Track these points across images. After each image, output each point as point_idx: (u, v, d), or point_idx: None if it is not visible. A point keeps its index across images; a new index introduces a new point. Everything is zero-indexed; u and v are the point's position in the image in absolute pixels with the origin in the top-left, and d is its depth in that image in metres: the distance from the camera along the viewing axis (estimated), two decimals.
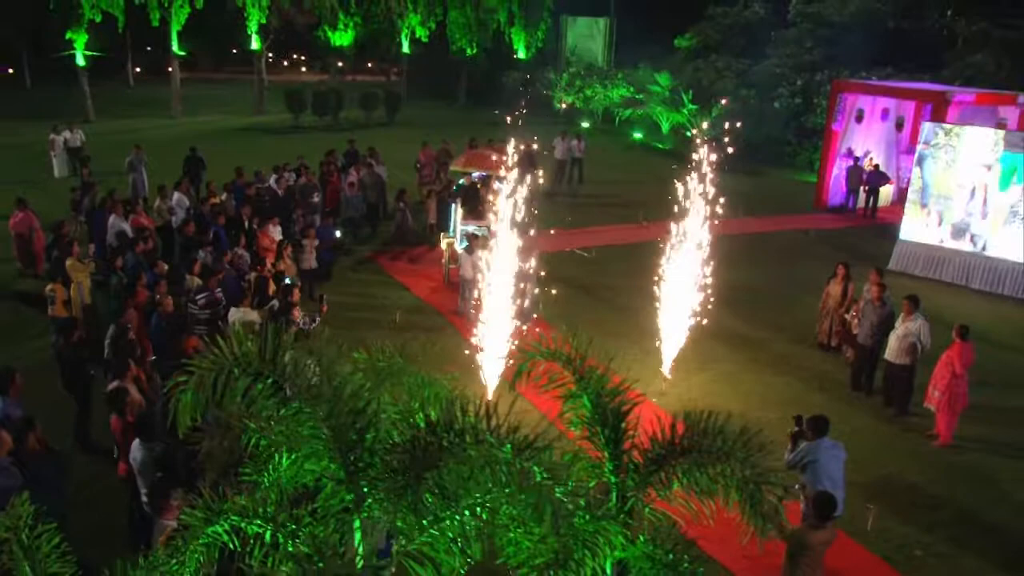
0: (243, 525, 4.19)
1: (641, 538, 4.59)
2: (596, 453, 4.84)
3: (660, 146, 36.31)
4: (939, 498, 9.80)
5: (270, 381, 4.33)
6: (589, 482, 4.82)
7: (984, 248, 17.85)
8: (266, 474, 4.66)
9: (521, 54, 47.53)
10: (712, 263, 12.22)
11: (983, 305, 16.88)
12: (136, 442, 7.12)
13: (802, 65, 34.16)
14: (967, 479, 10.25)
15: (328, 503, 4.26)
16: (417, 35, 43.85)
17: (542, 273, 14.20)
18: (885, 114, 24.82)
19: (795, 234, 21.83)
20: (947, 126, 19.12)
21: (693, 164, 11.82)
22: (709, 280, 12.13)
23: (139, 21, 36.35)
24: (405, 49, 44.76)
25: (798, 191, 27.17)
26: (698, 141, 12.05)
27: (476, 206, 16.77)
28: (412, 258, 18.30)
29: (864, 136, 24.70)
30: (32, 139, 28.17)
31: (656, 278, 12.21)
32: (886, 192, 24.76)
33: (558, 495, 4.20)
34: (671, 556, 4.40)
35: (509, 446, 4.19)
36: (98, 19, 34.02)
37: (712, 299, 12.50)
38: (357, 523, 4.83)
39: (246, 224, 14.63)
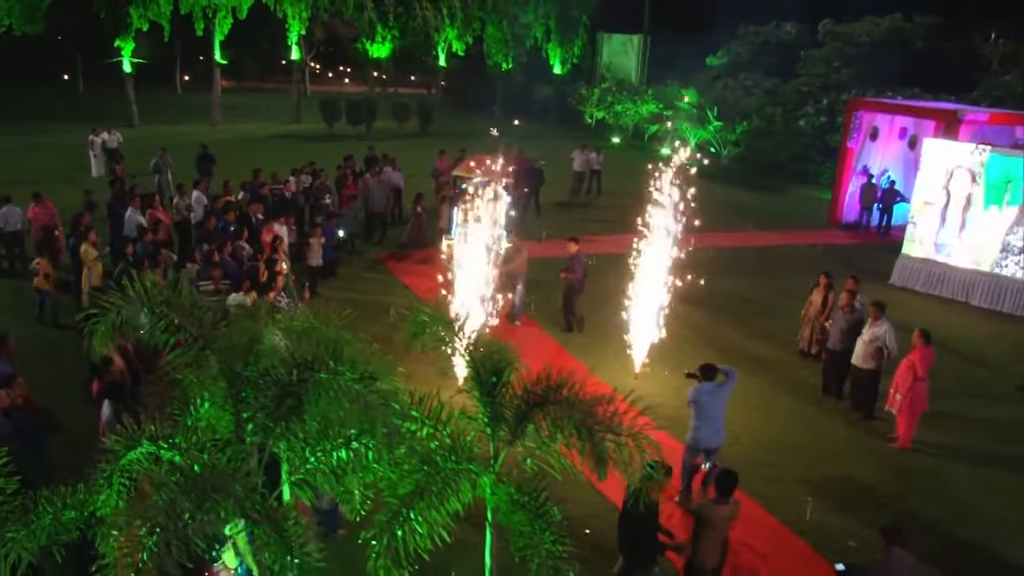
0: (155, 450, 4.84)
1: (505, 481, 5.17)
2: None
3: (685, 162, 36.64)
4: (885, 497, 10.10)
5: (176, 322, 5.00)
6: (470, 434, 5.39)
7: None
8: (188, 415, 5.31)
9: (557, 69, 48.31)
10: (684, 271, 12.75)
11: (981, 322, 16.99)
12: (106, 402, 7.85)
13: (829, 84, 34.32)
14: (918, 481, 10.52)
15: (221, 430, 4.92)
16: (454, 49, 44.90)
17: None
18: (903, 133, 24.91)
19: (802, 248, 22.05)
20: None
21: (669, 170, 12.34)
22: (670, 287, 12.67)
23: (190, 31, 37.96)
24: (442, 62, 45.79)
25: (816, 208, 27.33)
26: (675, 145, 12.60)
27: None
28: (419, 260, 18.96)
29: (881, 154, 24.84)
30: (77, 140, 29.53)
31: (628, 286, 12.78)
32: (903, 210, 24.80)
33: (394, 419, 4.81)
34: (527, 499, 4.97)
35: (349, 373, 4.80)
36: (145, 28, 35.56)
37: (679, 304, 13.01)
38: (285, 465, 5.50)
39: (253, 220, 15.51)
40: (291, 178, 19.06)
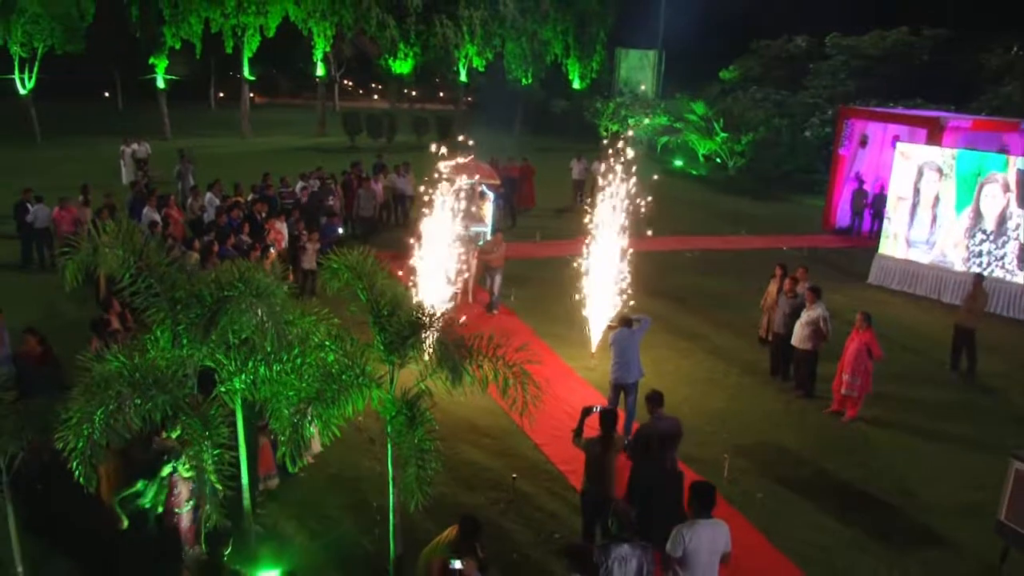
0: (119, 366, 6.11)
1: (393, 394, 6.43)
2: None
3: (694, 172, 37.72)
4: (805, 459, 11.04)
5: (134, 261, 6.33)
6: (369, 360, 6.63)
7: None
8: (149, 340, 6.62)
9: (576, 84, 49.66)
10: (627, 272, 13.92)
11: (945, 317, 17.60)
12: None
13: (836, 96, 35.16)
14: (843, 447, 11.43)
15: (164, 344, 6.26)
16: (475, 65, 46.42)
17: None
18: (896, 141, 25.68)
19: (790, 252, 22.87)
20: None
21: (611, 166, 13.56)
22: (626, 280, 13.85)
23: (223, 50, 40.01)
24: (463, 78, 47.33)
25: (813, 215, 28.18)
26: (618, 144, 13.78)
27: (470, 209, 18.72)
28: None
29: (874, 161, 25.67)
30: (112, 152, 31.50)
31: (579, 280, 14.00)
32: None
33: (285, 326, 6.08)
34: (406, 406, 6.19)
35: (248, 290, 6.06)
36: (177, 46, 37.63)
37: (649, 298, 14.09)
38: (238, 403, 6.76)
39: (257, 218, 17.02)
40: (300, 183, 20.57)
